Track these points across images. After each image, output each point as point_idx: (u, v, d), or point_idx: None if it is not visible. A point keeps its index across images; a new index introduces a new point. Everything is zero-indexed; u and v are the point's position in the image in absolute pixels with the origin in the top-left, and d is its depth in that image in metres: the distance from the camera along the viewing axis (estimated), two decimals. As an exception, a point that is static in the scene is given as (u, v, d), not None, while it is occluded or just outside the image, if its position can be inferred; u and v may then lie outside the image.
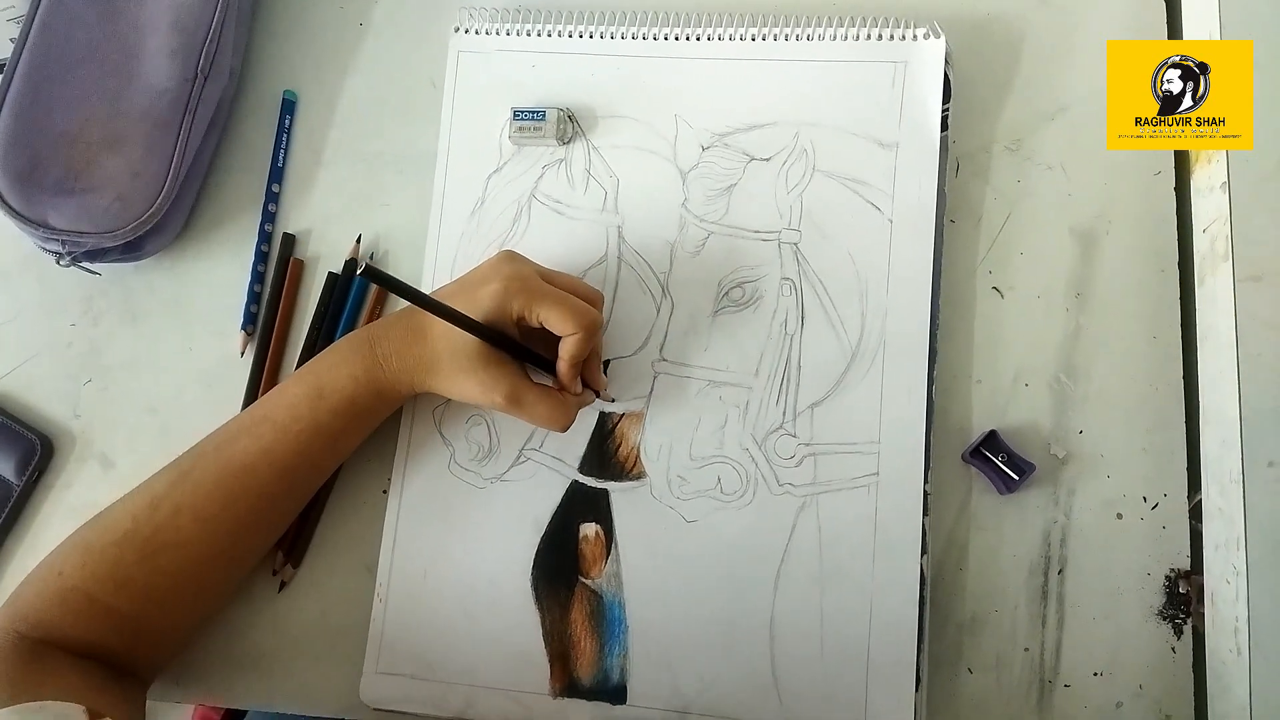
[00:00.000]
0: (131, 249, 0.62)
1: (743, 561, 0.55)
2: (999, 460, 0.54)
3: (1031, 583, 0.54)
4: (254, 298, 0.63)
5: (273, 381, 0.61)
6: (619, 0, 0.64)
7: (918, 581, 0.53)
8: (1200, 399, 0.54)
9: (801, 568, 0.54)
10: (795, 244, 0.58)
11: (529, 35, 0.63)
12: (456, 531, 0.58)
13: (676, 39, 0.62)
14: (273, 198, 0.64)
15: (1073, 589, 0.54)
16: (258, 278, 0.63)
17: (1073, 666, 0.53)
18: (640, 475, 0.57)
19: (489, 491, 0.58)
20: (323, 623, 0.58)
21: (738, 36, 0.61)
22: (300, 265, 0.63)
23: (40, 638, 0.49)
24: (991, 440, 0.55)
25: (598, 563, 0.56)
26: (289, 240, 0.64)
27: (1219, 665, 0.50)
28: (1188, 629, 0.53)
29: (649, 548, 0.56)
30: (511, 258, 0.53)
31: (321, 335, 0.61)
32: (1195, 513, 0.54)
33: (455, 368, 0.52)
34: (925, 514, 0.54)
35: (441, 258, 0.61)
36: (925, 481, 0.54)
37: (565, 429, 0.54)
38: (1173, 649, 0.53)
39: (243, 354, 0.62)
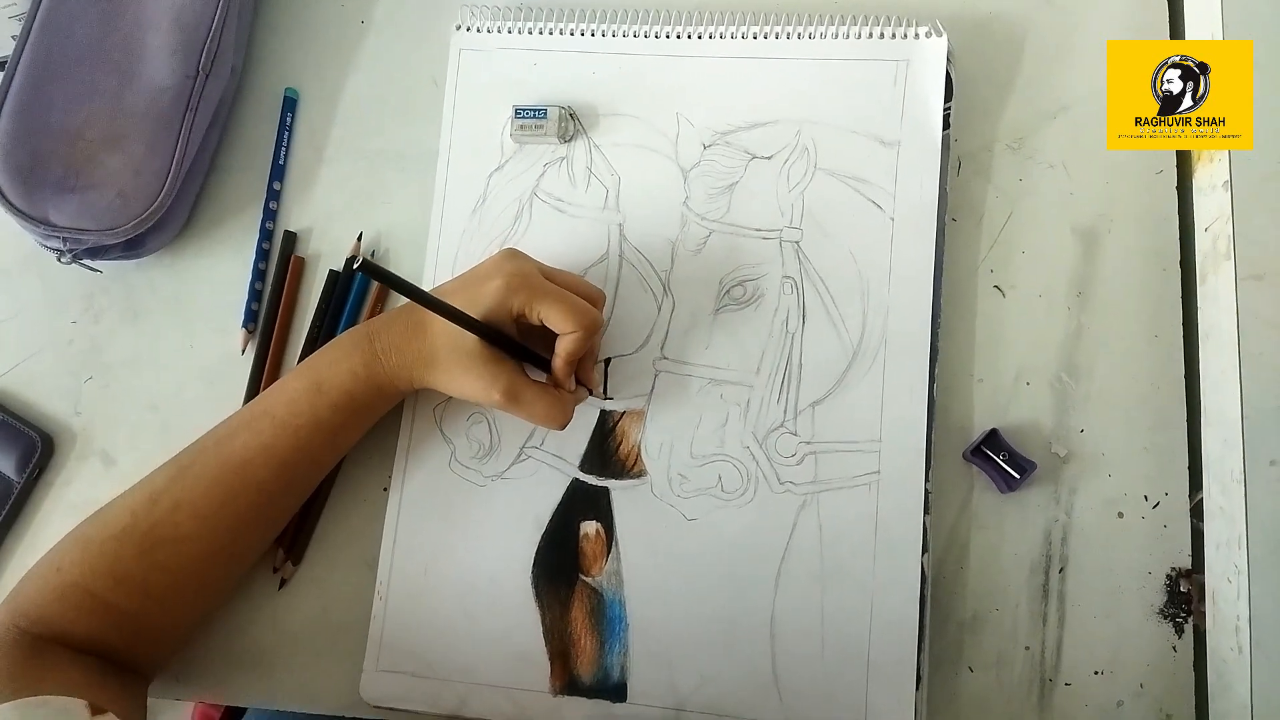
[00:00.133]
0: (133, 246, 0.62)
1: (743, 560, 0.55)
2: (1000, 459, 0.54)
3: (1032, 581, 0.54)
4: (255, 295, 0.63)
5: (273, 379, 0.61)
6: (621, -2, 0.64)
7: (918, 580, 0.53)
8: (1202, 398, 0.54)
9: (802, 566, 0.54)
10: (797, 242, 0.58)
11: (530, 33, 0.63)
12: (457, 529, 0.58)
13: (678, 37, 0.62)
14: (274, 195, 0.64)
15: (1074, 588, 0.54)
16: (259, 275, 0.63)
17: (1073, 665, 0.53)
18: (641, 473, 0.57)
19: (489, 489, 0.58)
20: (323, 620, 0.58)
21: (739, 35, 0.61)
22: (301, 263, 0.63)
23: (40, 633, 0.49)
24: (993, 439, 0.55)
25: (598, 561, 0.56)
26: (290, 238, 0.64)
27: (1220, 664, 0.50)
28: (1189, 628, 0.53)
29: (649, 546, 0.56)
30: (513, 255, 0.53)
31: (322, 333, 0.61)
32: (1196, 511, 0.54)
33: (454, 364, 0.52)
34: (926, 512, 0.54)
35: (443, 256, 0.61)
36: (926, 480, 0.54)
37: (563, 426, 0.54)
38: (1174, 648, 0.53)
39: (243, 351, 0.62)
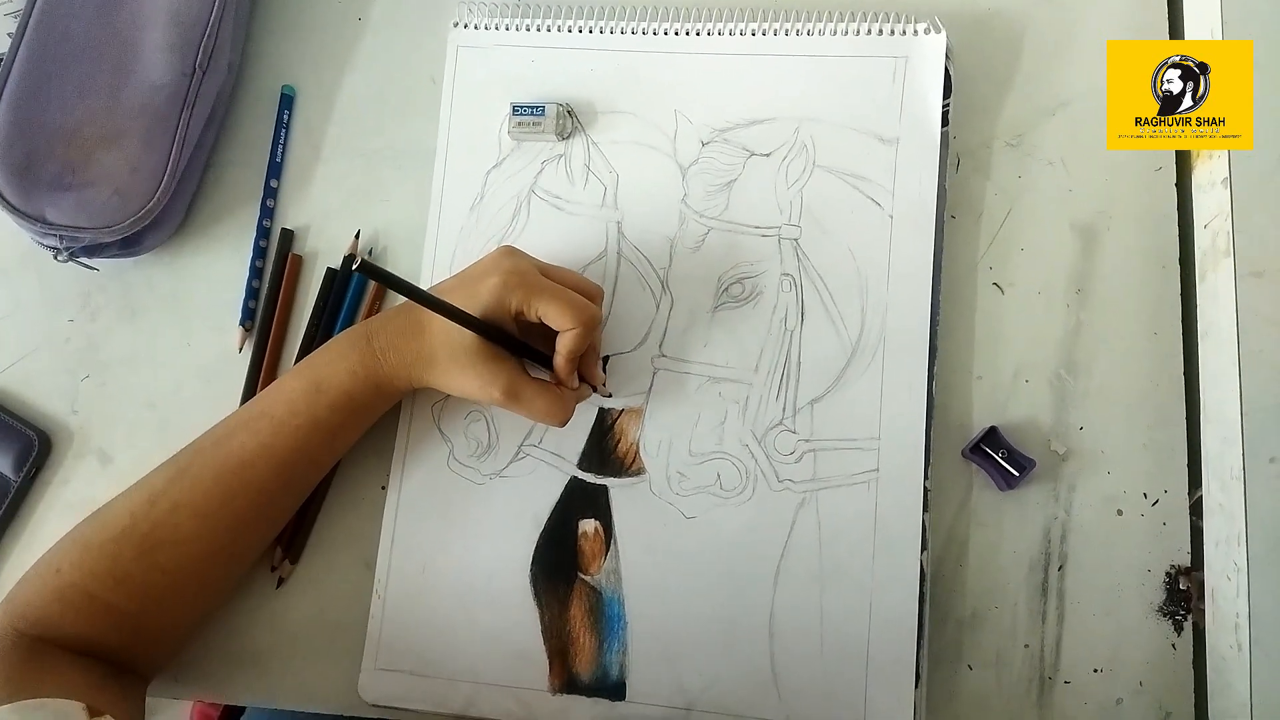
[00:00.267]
0: (129, 244, 0.62)
1: (742, 558, 0.55)
2: (999, 456, 0.54)
3: (1032, 579, 0.54)
4: (252, 293, 0.63)
5: (271, 377, 0.61)
6: (619, -5, 0.64)
7: (917, 578, 0.53)
8: (1201, 395, 0.54)
9: (801, 564, 0.54)
10: (795, 239, 0.58)
11: (528, 30, 0.63)
12: (455, 528, 0.58)
13: (676, 34, 0.61)
14: (271, 193, 0.64)
15: (1073, 585, 0.54)
16: (256, 273, 0.63)
17: (1073, 663, 0.53)
18: (639, 471, 0.57)
19: (488, 488, 0.58)
20: (321, 619, 0.58)
21: (738, 31, 0.61)
22: (299, 261, 0.63)
23: (39, 635, 0.49)
24: (992, 436, 0.55)
25: (597, 559, 0.56)
26: (287, 236, 0.63)
27: (1219, 661, 0.50)
28: (1188, 625, 0.53)
29: (648, 544, 0.56)
30: (511, 253, 0.53)
31: (320, 331, 0.61)
32: (1196, 509, 0.54)
33: (453, 363, 0.52)
34: (925, 510, 0.54)
35: (440, 253, 0.61)
36: (925, 478, 0.54)
37: (563, 424, 0.54)
38: (1173, 645, 0.53)
39: (241, 349, 0.62)
